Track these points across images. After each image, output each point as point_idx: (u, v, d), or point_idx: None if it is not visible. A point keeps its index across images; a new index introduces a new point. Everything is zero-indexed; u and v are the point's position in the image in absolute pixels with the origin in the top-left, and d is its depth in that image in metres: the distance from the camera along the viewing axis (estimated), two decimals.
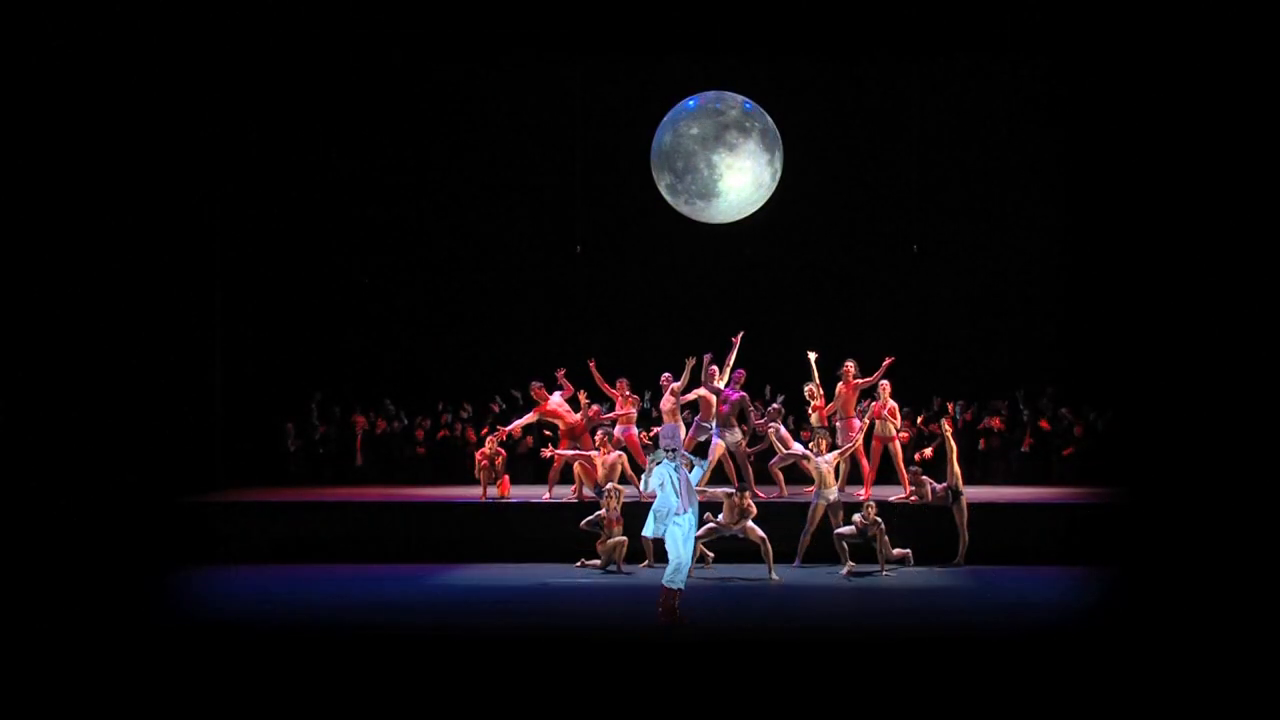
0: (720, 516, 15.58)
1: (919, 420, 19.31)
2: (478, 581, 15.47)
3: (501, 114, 21.31)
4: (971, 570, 15.90)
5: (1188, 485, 13.35)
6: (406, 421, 20.47)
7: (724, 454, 17.37)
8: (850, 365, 17.34)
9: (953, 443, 16.38)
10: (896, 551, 15.94)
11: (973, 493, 16.69)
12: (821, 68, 20.66)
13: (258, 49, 19.01)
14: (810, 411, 17.47)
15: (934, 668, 11.41)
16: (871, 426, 17.32)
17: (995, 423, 19.66)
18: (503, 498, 17.63)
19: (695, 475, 13.44)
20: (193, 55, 17.66)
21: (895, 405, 17.51)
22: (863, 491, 17.24)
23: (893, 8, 18.65)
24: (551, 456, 17.47)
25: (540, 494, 17.68)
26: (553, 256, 21.09)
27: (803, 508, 16.19)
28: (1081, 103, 18.85)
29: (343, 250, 21.41)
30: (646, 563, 15.91)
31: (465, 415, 20.40)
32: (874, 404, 17.39)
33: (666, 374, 17.50)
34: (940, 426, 16.94)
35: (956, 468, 16.23)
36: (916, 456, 17.46)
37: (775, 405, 17.76)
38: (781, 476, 17.55)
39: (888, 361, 17.25)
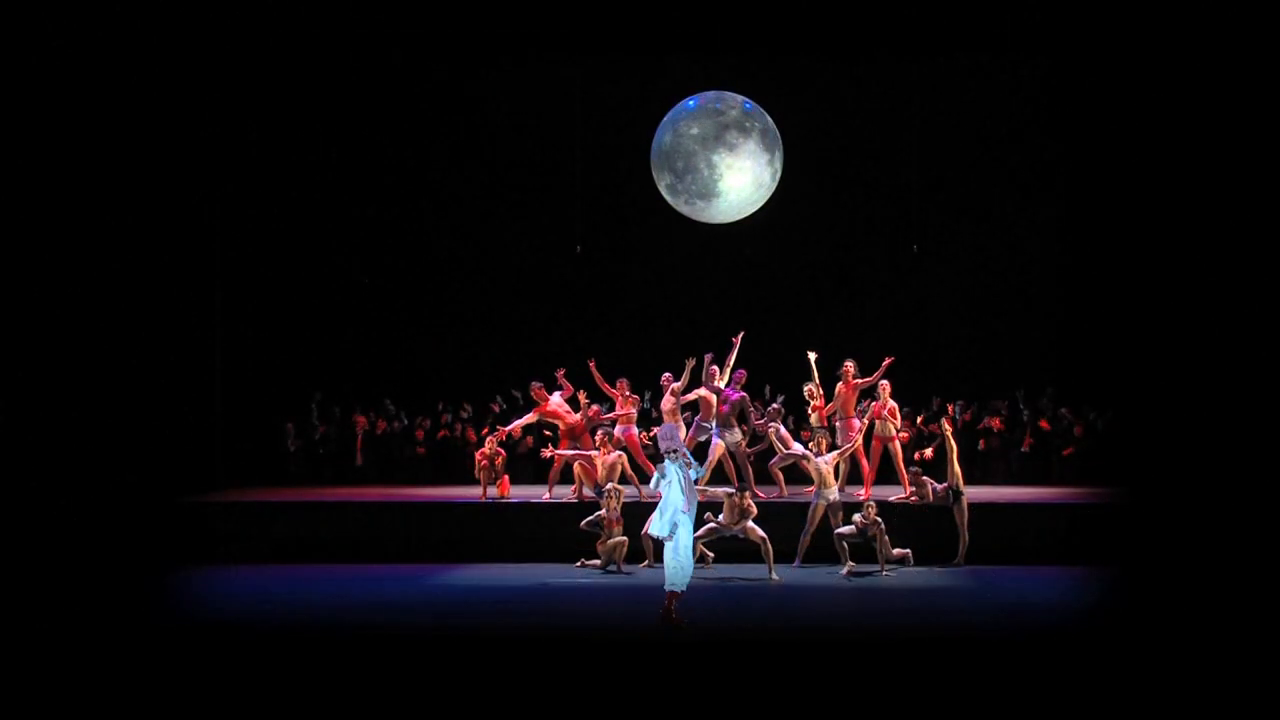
0: (720, 516, 15.58)
1: (919, 420, 19.32)
2: (478, 581, 15.46)
3: (501, 114, 21.31)
4: (971, 570, 15.89)
5: (1188, 485, 13.36)
6: (406, 421, 20.47)
7: (724, 454, 17.37)
8: (850, 365, 17.34)
9: (953, 443, 16.38)
10: (896, 551, 15.94)
11: (973, 493, 16.69)
12: (821, 68, 20.65)
13: (258, 49, 19.01)
14: (810, 411, 17.47)
15: (934, 668, 11.41)
16: (871, 426, 17.32)
17: (995, 423, 19.66)
18: (503, 498, 17.63)
19: (692, 476, 13.45)
20: (193, 55, 17.68)
21: (895, 405, 17.51)
22: (863, 491, 17.24)
23: (893, 8, 18.65)
24: (551, 456, 17.48)
25: (540, 494, 17.68)
26: (553, 256, 21.09)
27: (803, 508, 16.19)
28: (1081, 103, 18.87)
29: (343, 250, 21.41)
30: (646, 563, 15.90)
31: (465, 415, 20.41)
32: (874, 404, 17.39)
33: (667, 374, 17.50)
34: (940, 426, 16.95)
35: (957, 468, 16.23)
36: (916, 456, 17.46)
37: (775, 405, 17.76)
38: (781, 476, 17.55)
39: (887, 361, 17.26)
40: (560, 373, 17.75)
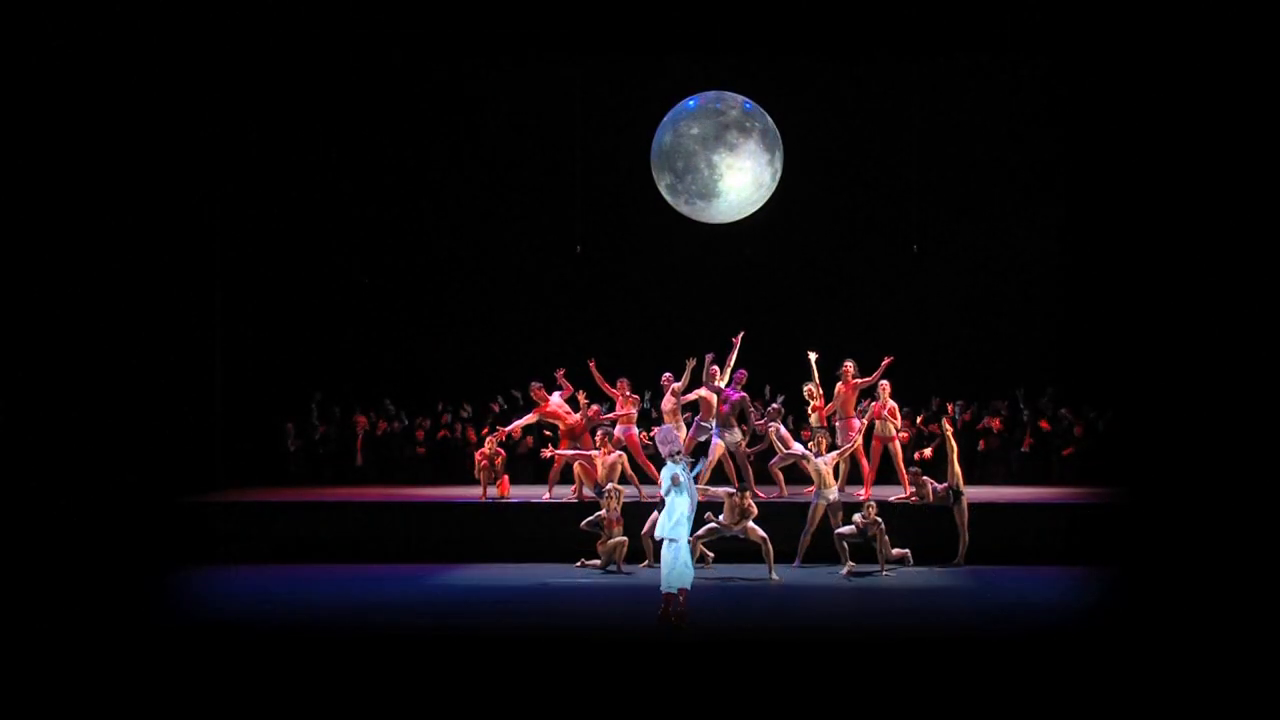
0: (721, 516, 15.58)
1: (919, 420, 19.32)
2: (478, 581, 15.47)
3: (501, 114, 21.31)
4: (971, 570, 15.90)
5: (1188, 485, 13.36)
6: (406, 421, 20.47)
7: (724, 454, 17.37)
8: (849, 365, 17.34)
9: (953, 443, 16.38)
10: (896, 551, 15.94)
11: (973, 493, 16.69)
12: (821, 68, 20.64)
13: (258, 49, 19.00)
14: (810, 411, 17.47)
15: (934, 668, 11.42)
16: (871, 426, 17.32)
17: (995, 423, 19.66)
18: (503, 498, 17.63)
19: (693, 472, 13.55)
20: (193, 55, 17.67)
21: (895, 405, 17.51)
22: (863, 491, 17.24)
23: (893, 8, 18.65)
24: (551, 456, 17.48)
25: (540, 494, 17.68)
26: (553, 256, 21.09)
27: (803, 508, 16.19)
28: (1082, 103, 18.87)
29: (343, 250, 21.40)
30: (646, 563, 15.91)
31: (465, 415, 20.41)
32: (874, 404, 17.39)
33: (667, 374, 17.50)
34: (940, 426, 16.95)
35: (957, 468, 16.23)
36: (916, 456, 17.47)
37: (775, 405, 17.76)
38: (781, 476, 17.55)
39: (886, 361, 17.25)
40: (560, 373, 17.74)
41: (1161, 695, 10.27)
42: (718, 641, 12.65)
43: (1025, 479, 19.28)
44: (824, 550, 15.95)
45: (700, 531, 15.14)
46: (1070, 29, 17.95)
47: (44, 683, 10.67)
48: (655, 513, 14.89)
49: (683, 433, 16.97)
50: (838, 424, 17.19)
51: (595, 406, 17.85)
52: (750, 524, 15.48)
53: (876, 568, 15.68)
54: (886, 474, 17.60)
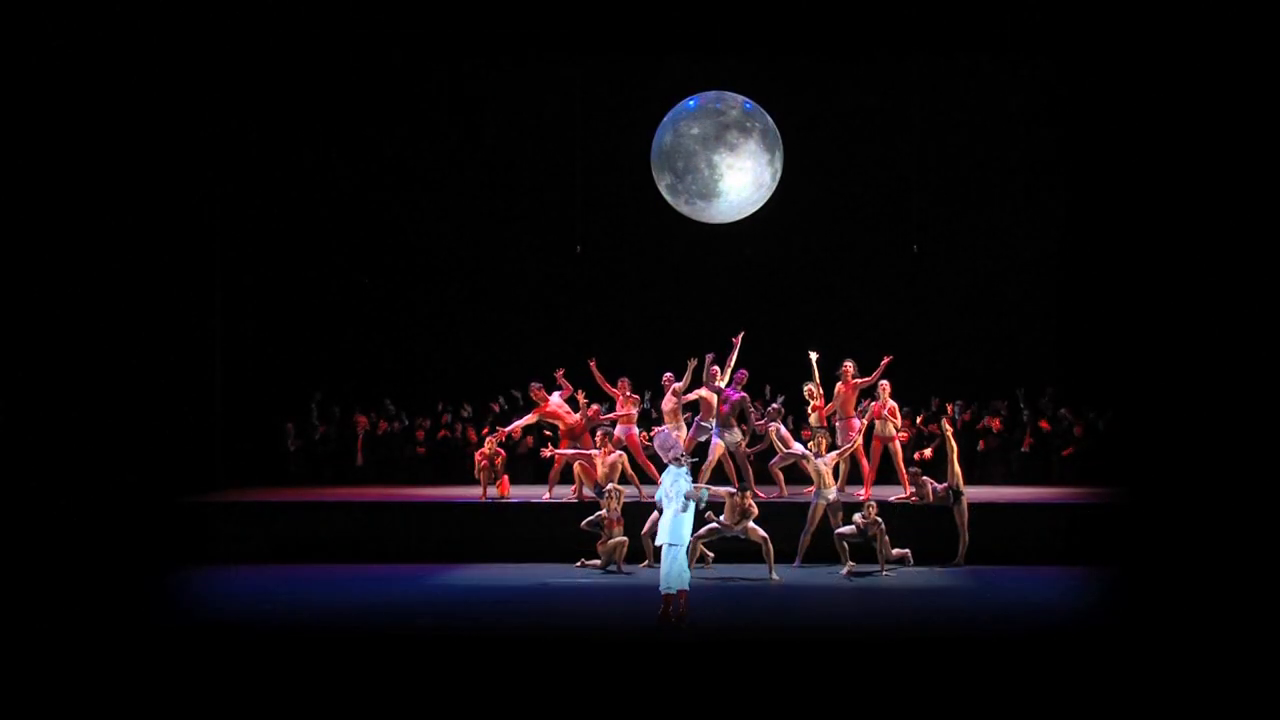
0: (721, 516, 15.58)
1: (919, 420, 19.32)
2: (478, 581, 15.47)
3: (501, 114, 21.29)
4: (971, 570, 15.89)
5: (1188, 485, 13.38)
6: (406, 421, 20.46)
7: (724, 454, 17.37)
8: (849, 365, 17.34)
9: (953, 443, 16.38)
10: (896, 551, 15.94)
11: (973, 493, 16.69)
12: (821, 68, 20.63)
13: (258, 48, 19.00)
14: (810, 411, 17.46)
15: (934, 668, 11.42)
16: (871, 426, 17.32)
17: (995, 423, 19.65)
18: (503, 498, 17.63)
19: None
20: (193, 55, 17.68)
21: (895, 405, 17.51)
22: (863, 491, 17.24)
23: (893, 8, 18.64)
24: (551, 456, 17.47)
25: (540, 494, 17.68)
26: (553, 256, 21.08)
27: (803, 508, 16.19)
28: (1082, 102, 18.86)
29: (343, 250, 21.38)
30: (646, 563, 15.91)
31: (465, 415, 20.40)
32: (874, 404, 17.40)
33: (668, 374, 17.51)
34: (940, 426, 16.95)
35: (957, 468, 16.23)
36: (916, 456, 17.47)
37: (775, 405, 17.75)
38: (781, 476, 17.55)
39: (886, 361, 17.25)
40: (560, 373, 17.74)
41: (1161, 695, 10.27)
42: (718, 641, 12.66)
43: (1025, 479, 19.28)
44: (824, 550, 15.95)
45: (701, 531, 15.14)
46: (1070, 29, 17.95)
47: (44, 683, 10.67)
48: (655, 513, 14.89)
49: (682, 433, 16.97)
50: (838, 424, 17.19)
51: (595, 406, 17.85)
52: (750, 524, 15.48)
53: (876, 568, 15.68)
54: (886, 474, 17.60)
